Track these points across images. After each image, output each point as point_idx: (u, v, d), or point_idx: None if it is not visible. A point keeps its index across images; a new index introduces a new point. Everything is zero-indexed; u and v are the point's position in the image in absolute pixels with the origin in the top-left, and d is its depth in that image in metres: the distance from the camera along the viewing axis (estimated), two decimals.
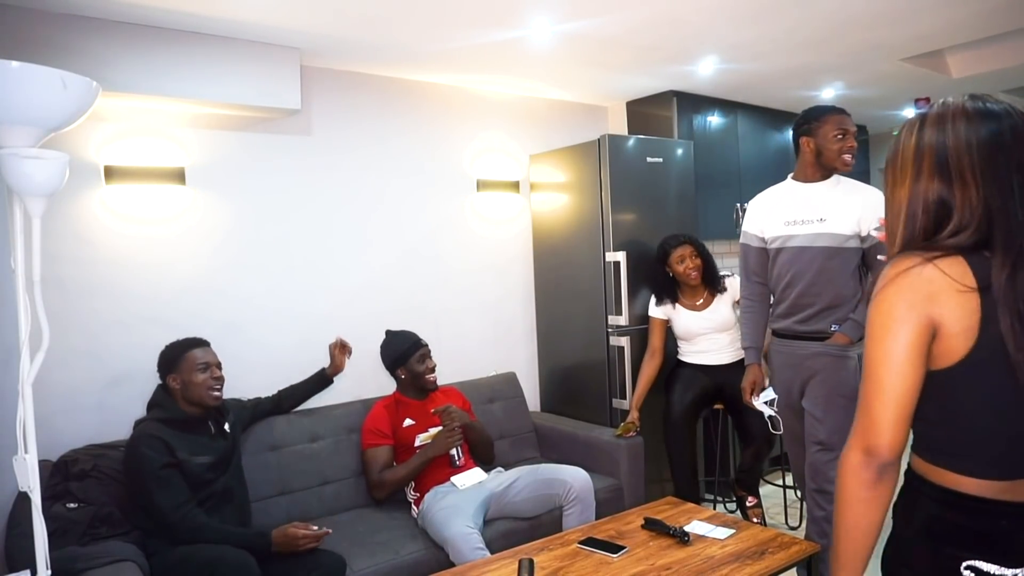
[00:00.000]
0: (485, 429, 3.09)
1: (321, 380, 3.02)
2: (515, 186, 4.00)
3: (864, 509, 1.09)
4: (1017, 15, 3.27)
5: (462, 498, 2.68)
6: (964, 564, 1.05)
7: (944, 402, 1.07)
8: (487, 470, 2.96)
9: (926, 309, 1.03)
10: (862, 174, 5.64)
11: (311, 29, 2.79)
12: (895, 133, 4.56)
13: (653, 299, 3.32)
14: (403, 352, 2.95)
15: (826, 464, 2.53)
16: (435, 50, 3.16)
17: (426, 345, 3.01)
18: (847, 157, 2.57)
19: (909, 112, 5.32)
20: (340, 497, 2.91)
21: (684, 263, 3.19)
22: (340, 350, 3.00)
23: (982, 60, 4.08)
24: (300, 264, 3.23)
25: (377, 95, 3.49)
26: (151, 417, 2.39)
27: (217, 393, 2.44)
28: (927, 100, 4.96)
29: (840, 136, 2.57)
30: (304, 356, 3.19)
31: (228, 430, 2.52)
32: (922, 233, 1.10)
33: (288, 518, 2.74)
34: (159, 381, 2.47)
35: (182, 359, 2.42)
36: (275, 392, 2.94)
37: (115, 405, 2.70)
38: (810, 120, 2.62)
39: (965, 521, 1.07)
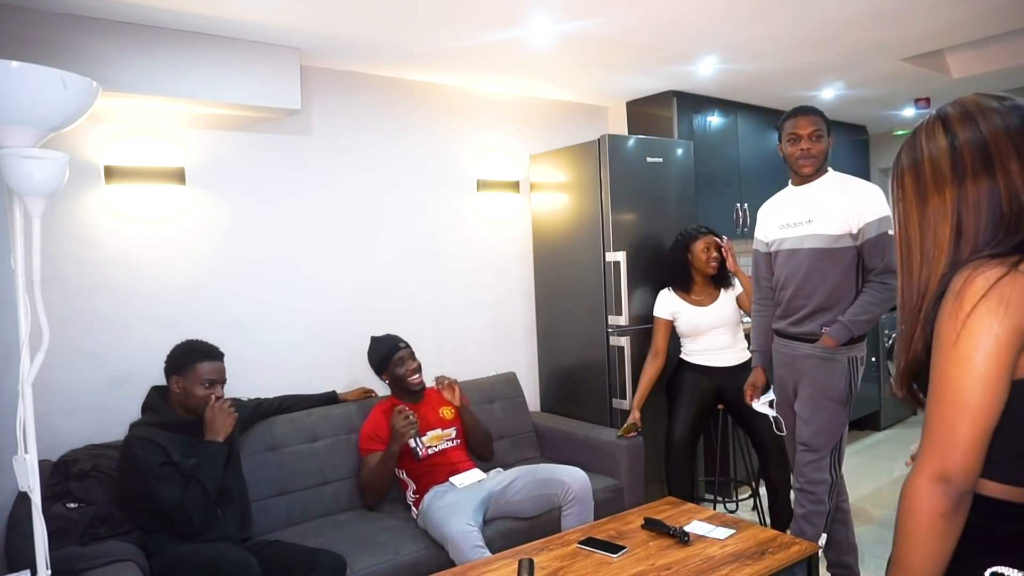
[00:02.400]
0: (481, 422, 3.09)
1: (330, 400, 3.08)
2: (515, 186, 4.00)
3: (938, 544, 0.98)
4: (1017, 15, 3.27)
5: (461, 497, 2.68)
6: (989, 571, 1.01)
7: (1008, 412, 1.00)
8: (486, 469, 2.97)
9: (1020, 322, 0.95)
10: (861, 173, 5.63)
11: (311, 29, 2.79)
12: (896, 133, 4.56)
13: (660, 297, 3.32)
14: (382, 357, 2.98)
15: (808, 464, 2.56)
16: (435, 50, 3.16)
17: (406, 347, 3.01)
18: (800, 161, 2.57)
19: (909, 112, 5.32)
20: (340, 497, 2.91)
21: (709, 251, 3.21)
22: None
23: (982, 60, 4.08)
24: (300, 264, 3.23)
25: (377, 95, 3.49)
26: (144, 420, 2.39)
27: (218, 408, 2.42)
28: (927, 100, 4.96)
29: (792, 140, 2.58)
30: (305, 355, 3.20)
31: None
32: (982, 237, 1.02)
33: (288, 518, 2.75)
34: (162, 378, 2.47)
35: (191, 367, 2.41)
36: (280, 396, 2.95)
37: (115, 405, 2.70)
38: (778, 126, 2.66)
39: (993, 526, 1.02)
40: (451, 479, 2.80)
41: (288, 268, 3.20)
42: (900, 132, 6.16)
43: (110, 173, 2.73)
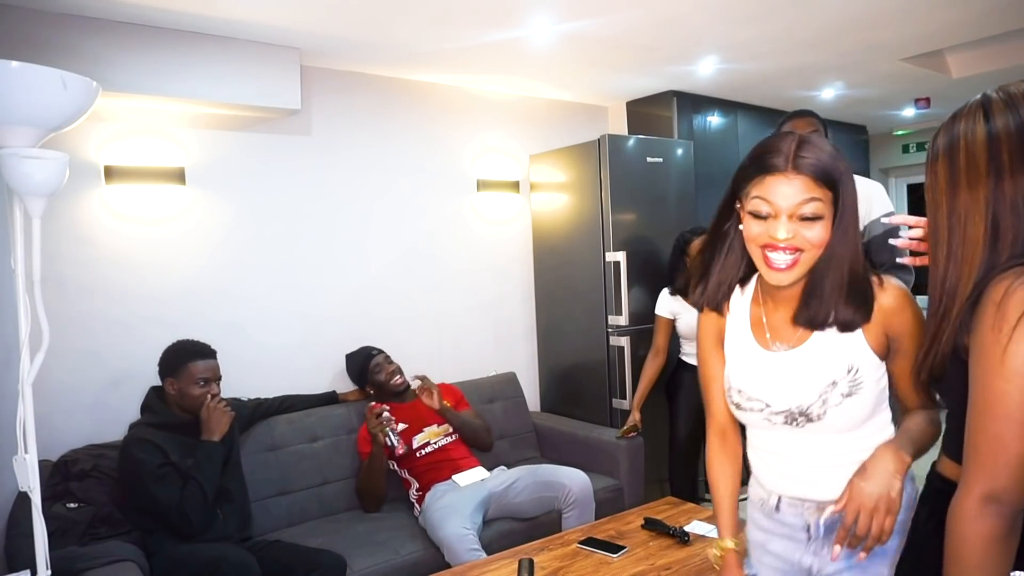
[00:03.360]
0: (470, 419, 3.08)
1: (330, 400, 3.10)
2: (515, 186, 4.00)
3: (995, 568, 0.91)
4: (1016, 16, 3.27)
5: (461, 497, 2.67)
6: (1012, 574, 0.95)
7: None
8: (490, 467, 2.96)
9: None
10: (861, 173, 5.61)
11: (311, 29, 2.79)
12: (896, 133, 4.54)
13: (662, 297, 3.31)
14: (360, 369, 3.03)
15: None
16: (435, 50, 3.17)
17: (379, 352, 3.06)
18: None
19: (909, 112, 5.31)
20: (340, 497, 2.91)
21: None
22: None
23: (982, 60, 4.08)
24: (300, 264, 3.24)
25: (377, 95, 3.49)
26: (143, 421, 2.39)
27: (214, 407, 2.42)
28: (927, 100, 4.95)
29: None
30: (305, 356, 3.20)
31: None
32: (1021, 241, 0.94)
33: (288, 518, 2.75)
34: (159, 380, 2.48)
35: (183, 368, 2.41)
36: (280, 396, 2.96)
37: (115, 405, 2.70)
38: (776, 129, 2.66)
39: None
40: (454, 477, 2.80)
41: (288, 268, 3.20)
42: (900, 132, 6.16)
43: (110, 173, 2.73)
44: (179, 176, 2.88)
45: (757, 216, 1.20)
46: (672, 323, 3.26)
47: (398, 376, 3.00)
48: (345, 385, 3.23)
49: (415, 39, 3.01)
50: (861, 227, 2.48)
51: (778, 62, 3.73)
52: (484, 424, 3.12)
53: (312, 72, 3.26)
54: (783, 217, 1.17)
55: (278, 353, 3.14)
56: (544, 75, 3.73)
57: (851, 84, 4.35)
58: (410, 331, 3.32)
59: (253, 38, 2.83)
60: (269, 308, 3.14)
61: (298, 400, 2.98)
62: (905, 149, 6.28)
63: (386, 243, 3.51)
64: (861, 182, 2.59)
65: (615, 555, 2.23)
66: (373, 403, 2.86)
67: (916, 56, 3.89)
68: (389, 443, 2.75)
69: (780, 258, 1.18)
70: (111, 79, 2.50)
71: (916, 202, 6.43)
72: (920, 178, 6.24)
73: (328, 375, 3.24)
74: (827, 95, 4.54)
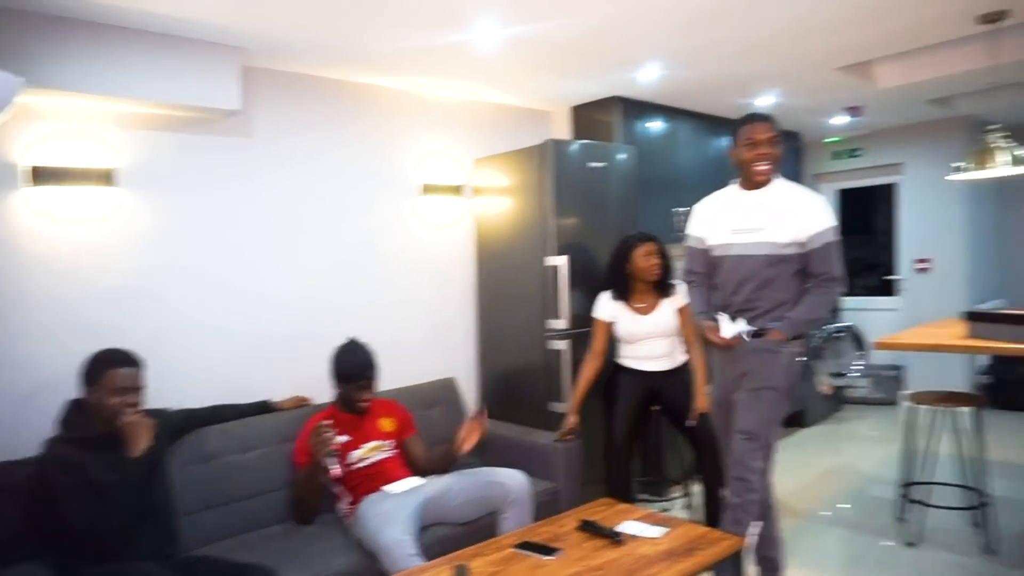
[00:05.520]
0: (438, 455, 3.04)
1: (262, 409, 2.99)
2: (458, 190, 4.00)
3: None
4: (936, 30, 3.43)
5: (396, 504, 2.66)
6: None
7: None
8: (424, 476, 2.95)
9: None
10: (794, 179, 5.80)
11: (253, 28, 2.74)
12: (827, 140, 4.74)
13: (600, 300, 3.34)
14: (346, 376, 2.88)
15: (749, 453, 2.62)
16: (380, 52, 3.14)
17: (370, 376, 2.91)
18: (758, 166, 2.64)
19: (840, 119, 5.51)
20: (273, 508, 2.84)
21: (650, 258, 3.22)
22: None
23: (906, 71, 4.26)
24: (236, 270, 3.17)
25: (321, 97, 3.45)
26: (59, 436, 2.26)
27: (129, 418, 2.26)
28: (857, 109, 5.14)
29: (749, 145, 2.64)
30: (239, 365, 3.14)
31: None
32: None
33: (218, 532, 2.67)
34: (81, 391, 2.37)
35: (102, 376, 2.27)
36: (211, 406, 2.87)
37: (31, 419, 2.55)
38: (733, 131, 2.71)
39: None
40: (384, 487, 2.78)
41: (223, 273, 3.13)
42: (831, 139, 6.38)
43: (36, 174, 2.62)
44: (108, 177, 2.79)
45: None
46: (610, 326, 3.31)
47: (367, 403, 2.93)
48: (282, 392, 3.17)
49: (360, 41, 2.98)
50: (804, 238, 2.59)
51: (718, 70, 3.82)
52: (446, 457, 3.04)
53: (255, 73, 3.19)
54: None
55: (211, 362, 3.07)
56: (490, 79, 3.74)
57: (786, 92, 4.49)
58: (349, 336, 3.26)
59: (191, 35, 2.76)
60: (203, 315, 3.06)
61: (230, 410, 2.91)
62: (836, 156, 6.51)
63: (326, 247, 3.47)
64: (805, 194, 2.68)
65: (550, 557, 2.26)
66: (326, 418, 2.77)
67: (847, 66, 4.04)
68: (327, 464, 2.67)
69: None
70: (38, 75, 2.40)
71: (846, 206, 6.67)
72: (851, 183, 6.51)
73: (264, 382, 3.17)
74: (764, 102, 4.67)
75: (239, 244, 3.18)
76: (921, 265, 6.10)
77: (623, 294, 3.27)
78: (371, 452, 2.88)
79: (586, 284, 3.60)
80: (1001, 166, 3.62)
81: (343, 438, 2.80)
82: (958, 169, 3.85)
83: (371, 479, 2.80)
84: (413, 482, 2.84)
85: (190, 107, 2.83)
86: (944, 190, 5.80)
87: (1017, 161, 3.60)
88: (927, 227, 6.06)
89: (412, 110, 3.83)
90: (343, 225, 3.54)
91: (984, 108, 5.19)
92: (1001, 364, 5.70)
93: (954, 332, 3.48)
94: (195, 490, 2.68)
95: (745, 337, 2.68)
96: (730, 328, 2.70)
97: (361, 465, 2.83)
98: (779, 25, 3.14)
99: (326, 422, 2.67)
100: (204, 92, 2.82)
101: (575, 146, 3.72)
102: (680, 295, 3.26)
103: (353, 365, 2.90)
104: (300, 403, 3.11)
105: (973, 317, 3.41)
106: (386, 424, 2.99)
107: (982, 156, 3.68)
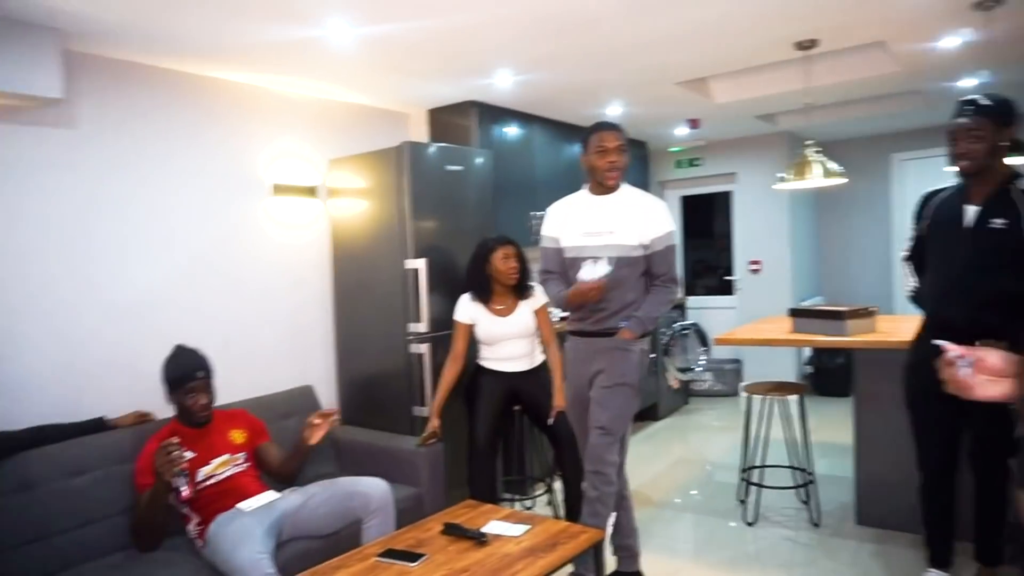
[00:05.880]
0: (294, 453, 2.91)
1: (96, 428, 2.73)
2: (313, 191, 3.87)
3: None
4: (762, 53, 3.77)
5: (251, 521, 2.51)
6: None
7: None
8: (280, 489, 2.81)
9: None
10: (642, 185, 6.15)
11: (75, 8, 2.48)
12: (671, 150, 5.05)
13: (461, 302, 3.35)
14: (174, 379, 2.67)
15: (606, 448, 2.74)
16: (224, 43, 2.96)
17: (203, 377, 2.71)
18: (608, 173, 2.77)
19: (682, 131, 5.90)
20: (112, 536, 2.57)
21: (508, 261, 3.25)
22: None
23: (738, 88, 4.64)
24: (64, 274, 2.86)
25: (160, 88, 3.20)
26: None
27: None
28: (697, 121, 5.53)
29: (599, 152, 2.76)
30: (66, 379, 2.84)
31: None
32: None
33: (46, 567, 2.40)
34: None
35: None
36: (34, 427, 2.58)
37: None
38: (583, 138, 2.83)
39: None
40: (238, 505, 2.61)
41: (49, 279, 2.81)
42: (674, 149, 6.83)
43: None
44: None
45: None
46: (471, 328, 3.33)
47: (207, 411, 2.71)
48: (120, 409, 2.90)
49: (200, 30, 2.79)
50: (647, 241, 2.73)
51: (567, 79, 3.97)
52: (296, 456, 2.92)
53: (81, 58, 2.90)
54: None
55: (35, 376, 2.75)
56: (345, 78, 3.65)
57: (633, 103, 4.74)
58: (196, 345, 3.03)
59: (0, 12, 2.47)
60: (24, 325, 2.74)
61: (56, 430, 2.61)
62: (678, 164, 6.97)
63: (170, 250, 3.22)
64: (649, 199, 2.84)
65: (414, 564, 2.23)
66: (169, 435, 2.55)
67: (687, 81, 4.33)
68: (176, 485, 2.47)
69: None
70: None
71: (688, 212, 7.15)
72: (692, 190, 6.99)
73: (94, 400, 2.89)
74: (613, 111, 4.91)
75: (66, 245, 2.87)
76: (754, 266, 6.67)
77: (482, 296, 3.30)
78: (221, 467, 2.69)
79: (446, 287, 3.60)
80: (815, 177, 4.03)
81: (189, 454, 2.60)
82: (782, 179, 4.24)
83: (223, 497, 2.62)
84: (268, 496, 2.69)
85: (2, 93, 2.52)
86: (771, 198, 6.38)
87: (827, 173, 4.02)
88: (757, 231, 6.63)
89: (264, 107, 3.66)
90: (189, 226, 3.30)
91: (801, 125, 5.75)
92: (820, 355, 6.33)
93: (782, 327, 3.81)
94: (15, 523, 2.37)
95: (603, 275, 2.66)
96: (592, 272, 2.69)
97: (211, 482, 2.64)
98: (623, 40, 3.31)
99: (173, 440, 2.47)
100: (18, 77, 2.53)
101: (432, 149, 3.71)
102: (538, 296, 3.34)
103: (180, 368, 2.69)
104: (141, 419, 2.86)
105: (795, 313, 3.77)
106: (236, 436, 2.82)
107: (800, 168, 4.08)
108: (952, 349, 1.28)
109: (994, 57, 3.78)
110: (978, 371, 1.25)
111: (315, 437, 2.83)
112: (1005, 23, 3.32)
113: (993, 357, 1.25)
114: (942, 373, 1.31)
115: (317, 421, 2.84)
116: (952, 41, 3.67)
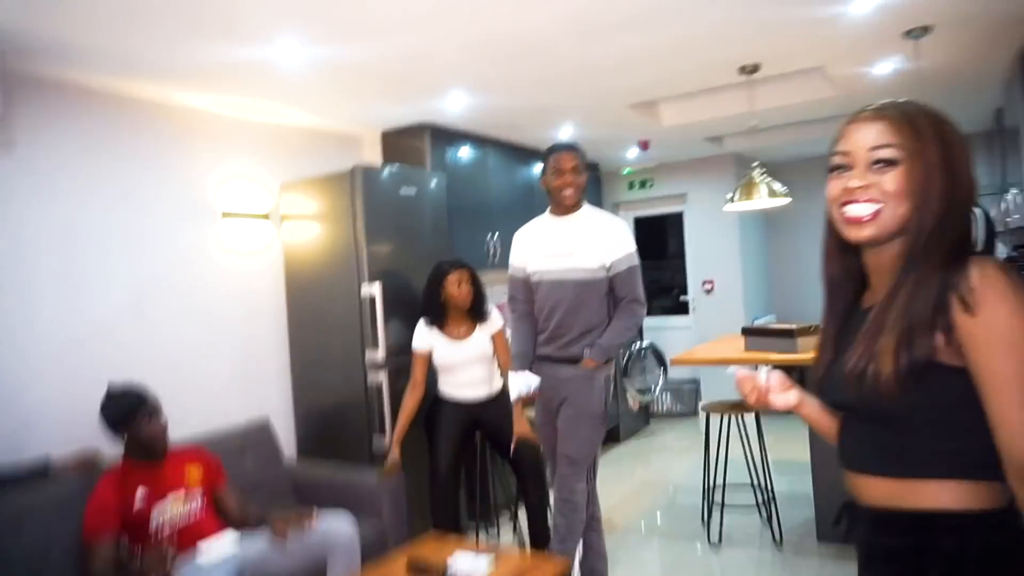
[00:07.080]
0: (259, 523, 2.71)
1: (40, 472, 2.55)
2: (264, 216, 3.77)
3: None
4: (708, 76, 3.85)
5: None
6: None
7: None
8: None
9: None
10: (595, 205, 6.16)
11: (10, 23, 2.35)
12: (624, 172, 5.12)
13: (418, 330, 3.29)
14: (126, 412, 2.51)
15: (573, 476, 2.72)
16: (171, 62, 2.86)
17: (151, 403, 2.57)
18: (565, 192, 2.79)
19: (633, 152, 5.98)
20: None
21: (461, 286, 3.21)
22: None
23: (685, 111, 4.74)
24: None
25: (102, 110, 3.08)
26: None
27: None
28: (646, 143, 5.61)
29: (557, 173, 2.78)
30: (4, 418, 2.66)
31: None
32: None
33: None
34: None
35: None
36: None
37: None
38: (542, 160, 2.85)
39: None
40: (197, 560, 2.42)
41: None
42: (627, 171, 6.92)
43: None
44: None
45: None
46: (429, 355, 3.27)
47: (167, 434, 2.58)
48: (60, 446, 2.72)
49: (144, 49, 2.69)
50: (608, 263, 2.73)
51: (519, 102, 3.98)
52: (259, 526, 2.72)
53: (18, 78, 2.77)
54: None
55: None
56: (296, 99, 3.58)
57: (584, 125, 4.78)
58: (144, 378, 2.87)
59: None
60: None
61: None
62: (630, 186, 7.06)
63: (113, 279, 3.08)
64: (609, 220, 2.86)
65: None
66: (123, 473, 2.42)
67: (636, 104, 4.40)
68: None
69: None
70: None
71: (642, 233, 7.21)
72: (644, 212, 7.09)
73: (37, 438, 2.72)
74: (564, 134, 4.94)
75: (4, 277, 2.71)
76: (707, 286, 6.76)
77: (438, 321, 3.25)
78: (177, 505, 2.54)
79: (403, 312, 3.54)
80: (761, 198, 4.11)
81: (142, 489, 2.46)
82: (730, 200, 4.32)
83: (181, 540, 2.46)
84: (227, 545, 2.52)
85: None
86: (721, 218, 6.50)
87: (773, 194, 4.10)
88: (709, 251, 6.75)
89: (212, 130, 3.56)
90: (135, 254, 3.17)
91: (747, 147, 5.91)
92: None
93: (735, 346, 3.86)
94: None
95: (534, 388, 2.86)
96: (524, 384, 2.85)
97: (167, 527, 2.48)
98: (573, 63, 3.34)
99: (171, 550, 2.34)
100: None
101: (384, 172, 3.67)
102: (494, 320, 3.30)
103: (126, 398, 2.54)
104: (88, 461, 2.66)
105: (748, 332, 3.82)
106: (193, 472, 2.66)
107: (748, 189, 4.15)
108: (741, 370, 1.35)
109: (922, 83, 3.94)
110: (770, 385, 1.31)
111: (287, 537, 2.58)
112: (932, 53, 3.48)
113: (774, 374, 1.32)
114: (741, 394, 1.36)
115: (294, 526, 2.60)
116: (885, 67, 3.82)
